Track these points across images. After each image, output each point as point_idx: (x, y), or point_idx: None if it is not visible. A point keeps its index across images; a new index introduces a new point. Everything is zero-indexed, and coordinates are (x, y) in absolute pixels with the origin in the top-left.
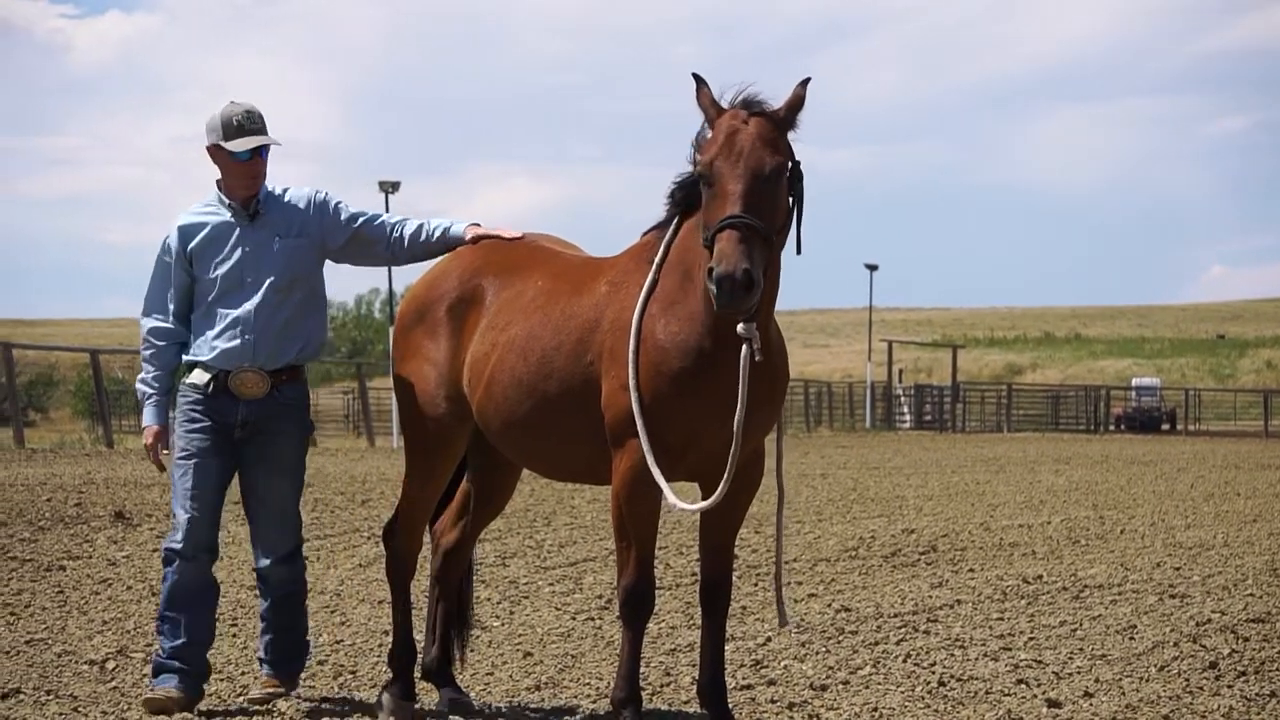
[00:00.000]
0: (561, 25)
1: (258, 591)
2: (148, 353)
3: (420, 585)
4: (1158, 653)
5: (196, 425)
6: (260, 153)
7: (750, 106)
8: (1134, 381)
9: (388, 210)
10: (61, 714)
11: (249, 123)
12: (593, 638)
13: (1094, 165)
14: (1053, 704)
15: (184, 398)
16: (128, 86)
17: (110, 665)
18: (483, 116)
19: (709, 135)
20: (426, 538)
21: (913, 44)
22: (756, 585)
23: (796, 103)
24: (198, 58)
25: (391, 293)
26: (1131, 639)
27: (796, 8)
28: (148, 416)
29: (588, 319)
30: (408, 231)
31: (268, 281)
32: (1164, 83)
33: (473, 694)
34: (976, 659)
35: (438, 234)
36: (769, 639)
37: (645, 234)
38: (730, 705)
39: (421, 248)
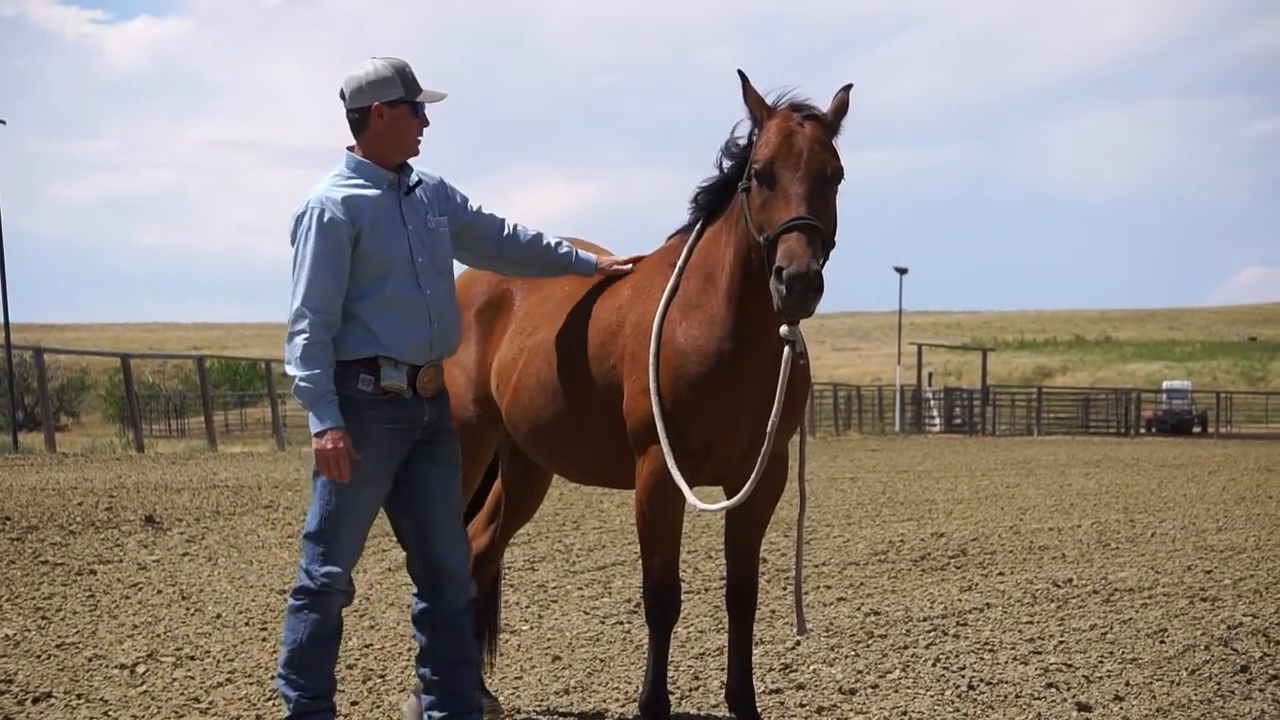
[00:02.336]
0: (595, 27)
1: (425, 627)
2: (314, 348)
3: None
4: (1189, 656)
5: (380, 439)
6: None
7: (800, 109)
8: (1165, 384)
9: None
10: (92, 718)
11: (416, 75)
12: (621, 642)
13: (1125, 167)
14: (1083, 708)
15: (363, 403)
16: (160, 90)
17: (140, 669)
18: (517, 119)
19: (758, 135)
20: None
21: (943, 48)
22: (785, 589)
23: (841, 108)
24: (229, 61)
25: None
26: (1162, 642)
27: (830, 12)
28: (326, 418)
29: (611, 323)
30: (525, 234)
31: (437, 264)
32: (1196, 84)
33: (501, 698)
34: (1006, 663)
35: (562, 249)
36: (798, 643)
37: (670, 238)
38: (759, 709)
39: (539, 256)
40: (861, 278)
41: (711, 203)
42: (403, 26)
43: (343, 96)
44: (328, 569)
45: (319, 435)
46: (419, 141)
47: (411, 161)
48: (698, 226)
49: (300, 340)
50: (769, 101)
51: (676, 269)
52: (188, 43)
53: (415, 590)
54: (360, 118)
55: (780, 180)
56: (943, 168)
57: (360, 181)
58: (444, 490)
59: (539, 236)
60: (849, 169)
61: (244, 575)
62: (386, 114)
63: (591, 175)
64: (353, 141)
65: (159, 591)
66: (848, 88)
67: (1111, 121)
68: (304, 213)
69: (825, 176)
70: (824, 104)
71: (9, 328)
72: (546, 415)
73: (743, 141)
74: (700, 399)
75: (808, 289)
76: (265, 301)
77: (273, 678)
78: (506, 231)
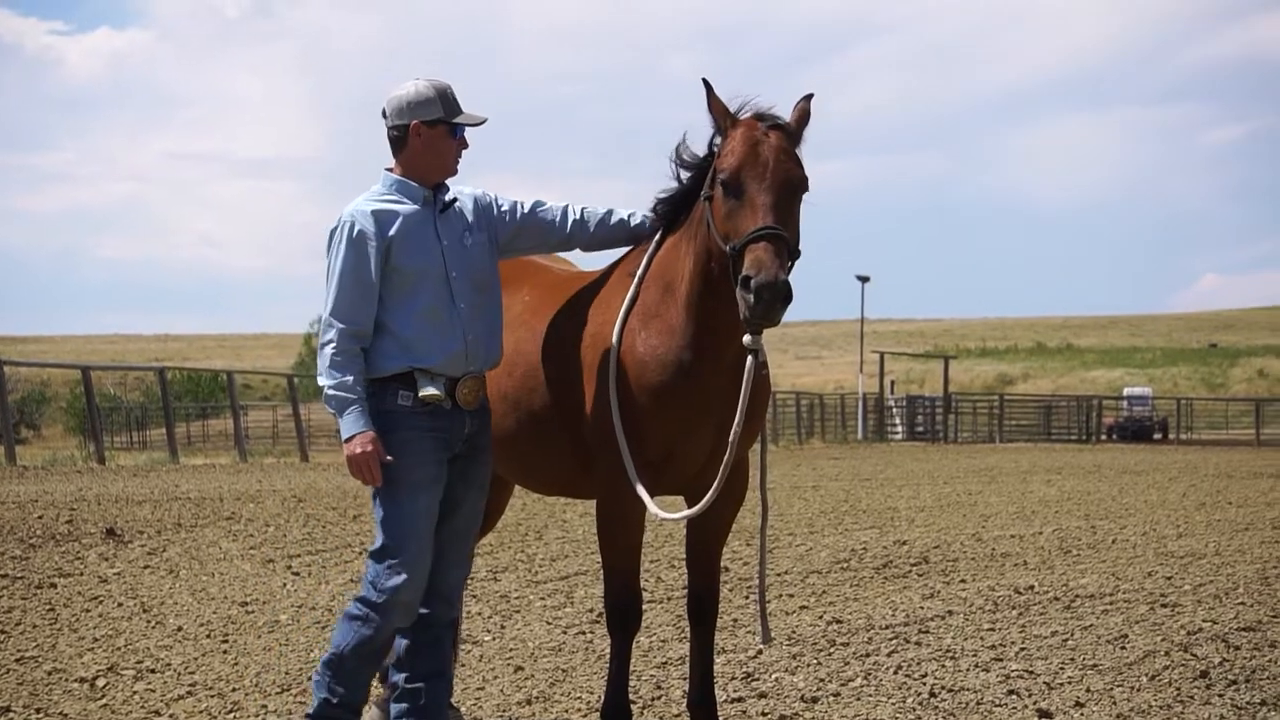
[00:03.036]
0: (556, 36)
1: (405, 634)
2: (340, 357)
3: None
4: (1149, 662)
5: (425, 446)
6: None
7: (765, 119)
8: (1126, 391)
9: None
10: None
11: (457, 97)
12: (584, 651)
13: (1086, 174)
14: (1044, 714)
15: (404, 416)
16: (120, 101)
17: (101, 683)
18: (479, 129)
19: (722, 144)
20: None
21: (904, 57)
22: (748, 598)
23: (804, 118)
24: (189, 73)
25: None
26: (1123, 648)
27: (791, 20)
28: (356, 423)
29: (570, 333)
30: (594, 216)
31: (472, 279)
32: (1157, 92)
33: (464, 709)
34: (968, 670)
35: (635, 220)
36: (760, 651)
37: (629, 249)
38: (721, 718)
39: (614, 232)
40: (823, 286)
41: (670, 213)
42: (363, 37)
43: (384, 115)
44: (394, 581)
45: (348, 441)
46: (457, 161)
47: (450, 181)
48: (657, 236)
49: (328, 350)
50: (732, 110)
51: (636, 279)
52: (148, 54)
53: None
54: (400, 135)
55: (747, 190)
56: (904, 176)
57: (395, 197)
58: (471, 515)
59: (609, 214)
60: (811, 178)
61: (205, 588)
62: (425, 133)
63: (552, 184)
64: (391, 163)
65: (120, 604)
66: (808, 97)
67: (1071, 129)
68: (336, 226)
69: (791, 186)
70: (785, 113)
71: None
72: (507, 426)
73: (700, 151)
74: (660, 408)
75: (775, 298)
76: (227, 313)
77: (311, 678)
78: (574, 217)
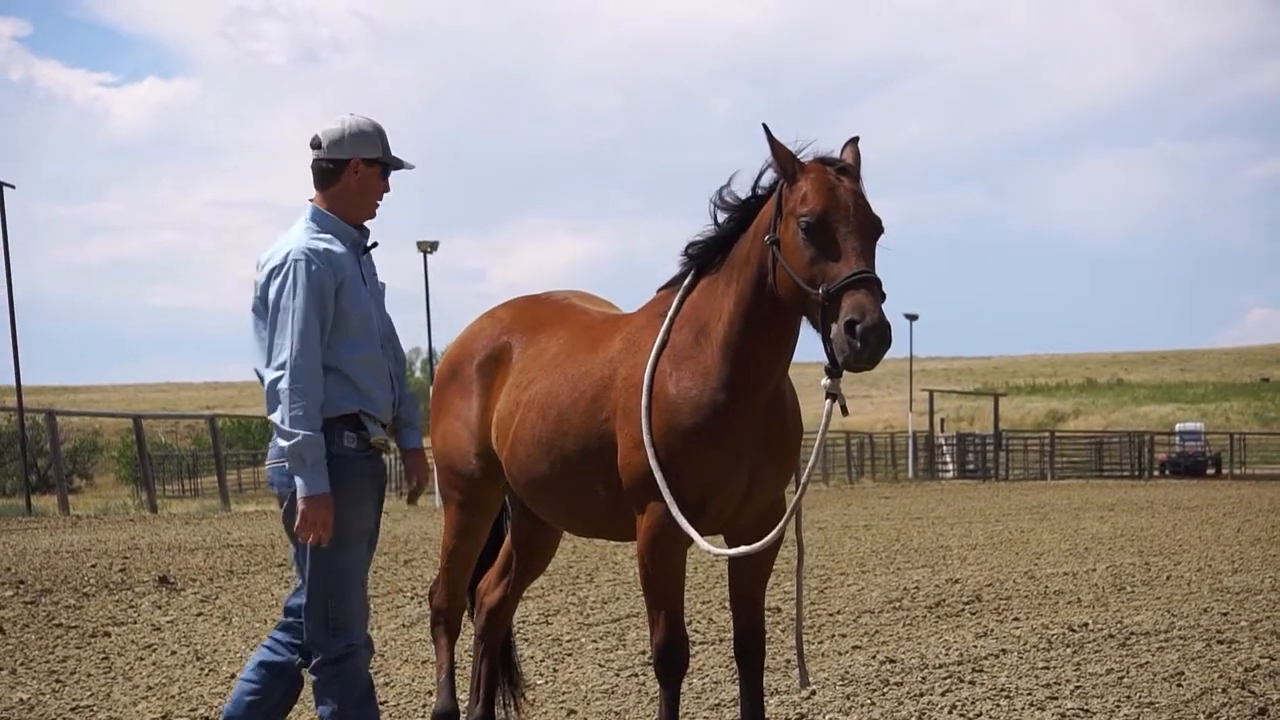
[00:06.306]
0: (598, 79)
1: (288, 685)
2: (313, 408)
3: (464, 644)
4: (1206, 699)
5: (371, 495)
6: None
7: (831, 163)
8: (1178, 426)
9: (426, 269)
10: None
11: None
12: (636, 694)
13: (1132, 210)
14: None
15: (349, 460)
16: (167, 151)
17: None
18: (522, 173)
19: (790, 189)
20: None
21: (945, 93)
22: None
23: (858, 161)
24: (236, 121)
25: (432, 353)
26: (1179, 686)
27: (831, 60)
28: (319, 484)
29: (602, 376)
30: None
31: (384, 325)
32: (1201, 126)
33: None
34: (1023, 709)
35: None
36: (813, 693)
37: (659, 290)
38: None
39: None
40: None
41: (706, 256)
42: (404, 83)
43: (317, 145)
44: (343, 634)
45: (312, 498)
46: (378, 206)
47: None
48: (689, 279)
49: (303, 401)
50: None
51: (667, 321)
52: (195, 103)
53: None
54: (334, 168)
55: (835, 234)
56: (950, 212)
57: (329, 236)
58: (373, 546)
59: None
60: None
61: (259, 634)
62: (362, 170)
63: (595, 227)
64: (313, 193)
65: (173, 652)
66: (855, 140)
67: (1117, 164)
68: (284, 264)
69: (874, 230)
70: (833, 154)
71: (21, 391)
72: (543, 469)
73: (743, 194)
74: (693, 450)
75: (882, 341)
76: None
77: None
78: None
